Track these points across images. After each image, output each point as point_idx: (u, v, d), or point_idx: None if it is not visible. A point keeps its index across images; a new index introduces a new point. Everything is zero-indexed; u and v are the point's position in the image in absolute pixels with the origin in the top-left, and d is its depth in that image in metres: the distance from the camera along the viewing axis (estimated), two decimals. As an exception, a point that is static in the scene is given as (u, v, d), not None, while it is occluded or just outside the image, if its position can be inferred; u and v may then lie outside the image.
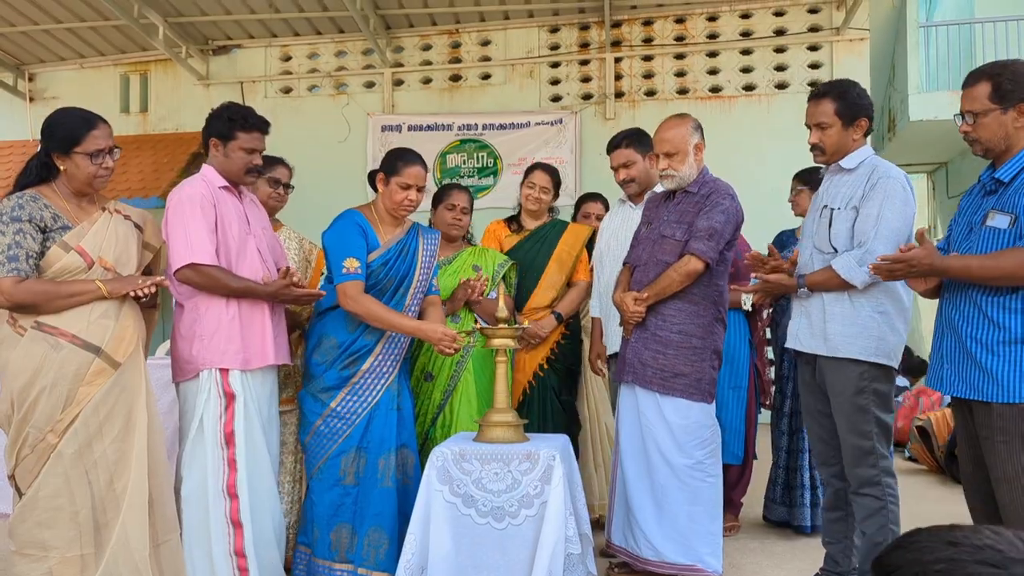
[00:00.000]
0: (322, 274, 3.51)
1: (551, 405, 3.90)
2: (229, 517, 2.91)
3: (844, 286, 2.88)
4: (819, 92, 3.04)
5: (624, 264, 3.58)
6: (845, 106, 2.96)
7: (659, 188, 3.57)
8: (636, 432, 3.36)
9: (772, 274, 3.08)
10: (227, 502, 2.91)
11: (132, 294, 2.71)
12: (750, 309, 3.25)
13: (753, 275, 3.11)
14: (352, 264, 3.14)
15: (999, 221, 2.38)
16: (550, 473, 2.86)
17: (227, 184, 3.11)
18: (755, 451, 4.34)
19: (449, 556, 2.86)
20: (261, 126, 3.15)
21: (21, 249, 2.59)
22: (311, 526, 3.21)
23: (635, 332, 3.37)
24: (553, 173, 4.17)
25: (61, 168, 2.72)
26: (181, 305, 3.04)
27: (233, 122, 3.10)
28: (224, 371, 2.97)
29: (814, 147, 3.03)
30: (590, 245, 4.12)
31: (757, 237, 4.23)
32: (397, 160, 3.28)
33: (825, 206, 3.01)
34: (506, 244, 4.07)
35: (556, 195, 4.19)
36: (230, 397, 2.96)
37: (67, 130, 2.72)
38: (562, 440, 3.13)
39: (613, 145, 3.87)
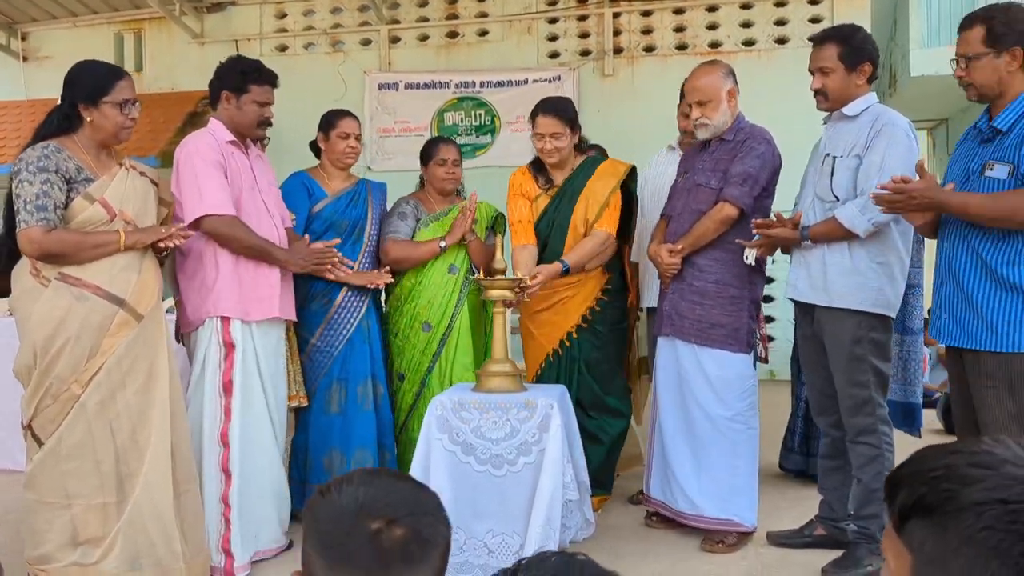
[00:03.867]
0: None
1: (576, 379, 3.54)
2: (220, 465, 2.97)
3: (847, 236, 2.88)
4: (822, 36, 3.01)
5: (661, 216, 3.52)
6: (849, 50, 2.93)
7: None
8: (675, 385, 3.33)
9: (774, 228, 3.07)
10: (220, 450, 2.97)
11: (163, 245, 2.75)
12: (752, 263, 3.25)
13: (755, 231, 3.10)
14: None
15: (998, 171, 2.38)
16: (548, 421, 2.89)
17: (234, 139, 3.15)
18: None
19: (448, 503, 2.86)
20: (272, 79, 3.23)
21: (49, 199, 2.60)
22: (303, 456, 3.54)
23: (672, 284, 3.32)
24: (560, 110, 3.53)
25: (87, 119, 2.72)
26: (185, 254, 3.07)
27: (246, 75, 3.18)
28: (226, 320, 3.01)
29: (817, 92, 3.01)
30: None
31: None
32: (331, 117, 3.69)
33: (827, 154, 3.00)
34: (539, 204, 3.63)
35: (576, 129, 3.58)
36: (229, 347, 3.00)
37: (96, 80, 2.73)
38: (559, 390, 3.16)
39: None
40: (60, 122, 2.75)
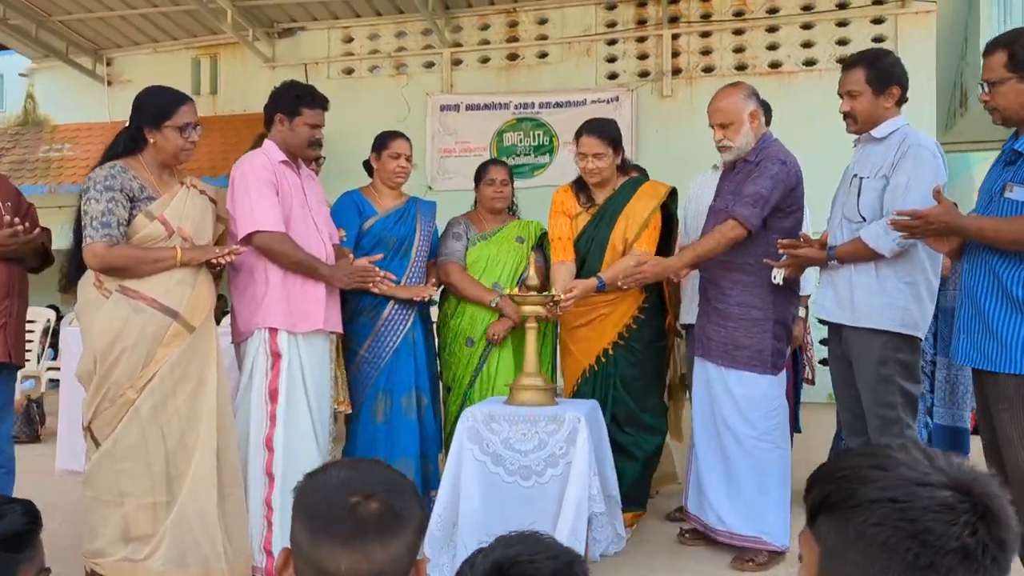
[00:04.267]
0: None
1: (611, 395, 3.58)
2: (264, 469, 3.11)
3: (873, 256, 2.89)
4: (850, 60, 3.06)
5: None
6: (876, 74, 2.96)
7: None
8: (706, 404, 3.40)
9: (801, 248, 3.09)
10: (265, 454, 3.11)
11: (215, 262, 2.91)
12: (780, 283, 3.26)
13: (781, 251, 3.12)
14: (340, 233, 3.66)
15: (1017, 193, 2.38)
16: (575, 434, 2.96)
17: (286, 159, 3.31)
18: (799, 425, 4.35)
19: (478, 512, 2.99)
20: (323, 103, 3.39)
21: (113, 216, 2.79)
22: None
23: (700, 306, 3.41)
24: (604, 131, 3.61)
25: (151, 141, 2.92)
26: (237, 269, 3.24)
27: (300, 99, 3.34)
28: (273, 331, 3.17)
29: (845, 116, 3.04)
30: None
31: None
32: (383, 138, 3.85)
33: (855, 175, 3.02)
34: (579, 222, 3.70)
35: (619, 150, 3.66)
36: (276, 356, 3.15)
37: (159, 105, 2.93)
38: (590, 404, 3.22)
39: None
40: (127, 143, 2.95)
